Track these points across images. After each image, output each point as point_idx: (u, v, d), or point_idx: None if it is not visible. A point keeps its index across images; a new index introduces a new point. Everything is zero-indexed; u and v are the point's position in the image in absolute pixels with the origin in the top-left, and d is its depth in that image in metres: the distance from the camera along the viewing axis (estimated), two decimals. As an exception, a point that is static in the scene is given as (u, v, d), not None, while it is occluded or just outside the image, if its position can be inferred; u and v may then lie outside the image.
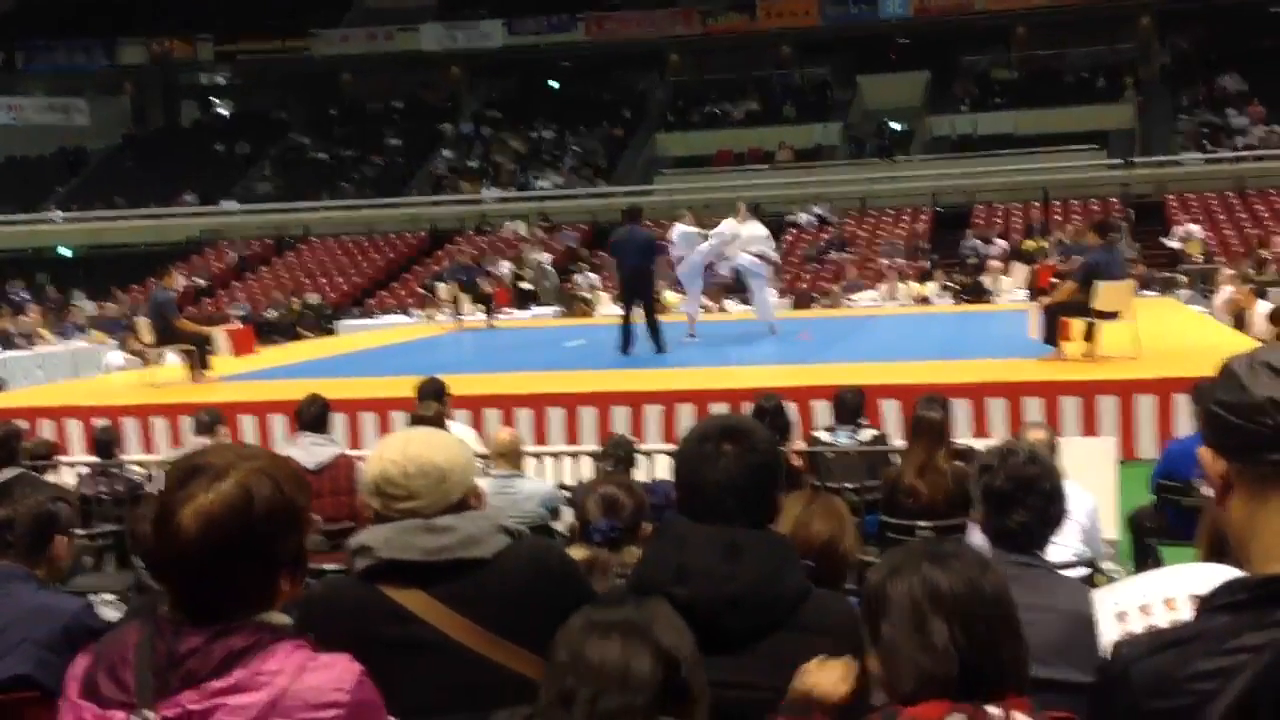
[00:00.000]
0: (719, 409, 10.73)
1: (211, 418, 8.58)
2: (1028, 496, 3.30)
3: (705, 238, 17.11)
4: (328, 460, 7.22)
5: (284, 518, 2.03)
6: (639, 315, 15.36)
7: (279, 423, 11.95)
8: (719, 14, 41.15)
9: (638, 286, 15.37)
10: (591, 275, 29.17)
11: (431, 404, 7.73)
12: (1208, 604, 1.65)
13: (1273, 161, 33.05)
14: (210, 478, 2.00)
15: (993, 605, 2.12)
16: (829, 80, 42.37)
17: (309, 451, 7.23)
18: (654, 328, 15.26)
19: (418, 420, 7.02)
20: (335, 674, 2.00)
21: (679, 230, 17.40)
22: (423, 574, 2.55)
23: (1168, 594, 2.96)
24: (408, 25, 43.32)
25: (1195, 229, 28.73)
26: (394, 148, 42.64)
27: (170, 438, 12.43)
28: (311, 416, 7.52)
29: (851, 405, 8.12)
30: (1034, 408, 11.14)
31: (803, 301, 25.17)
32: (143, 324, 15.32)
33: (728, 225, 17.12)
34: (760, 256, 17.14)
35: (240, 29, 44.20)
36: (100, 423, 11.28)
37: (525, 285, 28.75)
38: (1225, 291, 18.17)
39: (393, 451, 2.66)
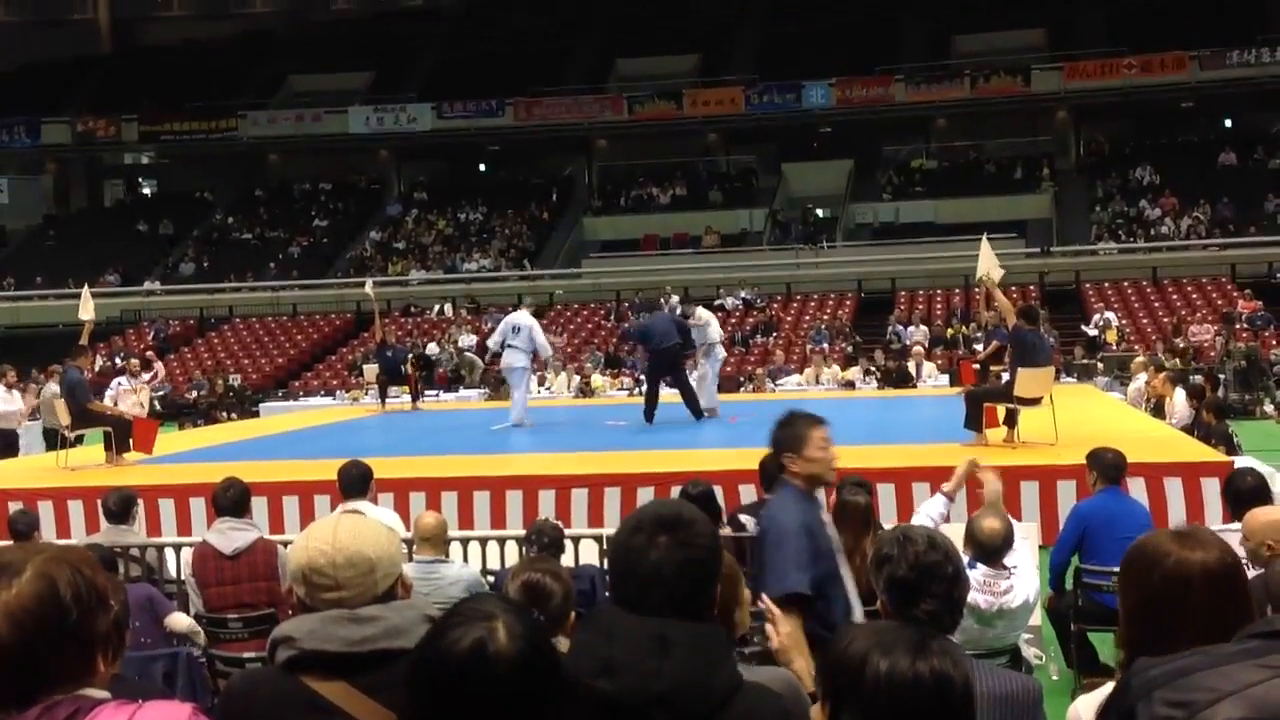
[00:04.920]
0: (646, 493, 10.72)
1: (121, 505, 8.17)
2: (932, 584, 3.13)
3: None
4: (245, 546, 7.01)
5: (90, 597, 2.03)
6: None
7: (199, 506, 11.71)
8: (646, 102, 41.65)
9: (663, 366, 16.98)
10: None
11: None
12: (1245, 633, 1.92)
13: (1185, 252, 33.89)
14: (8, 576, 2.00)
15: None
16: (754, 167, 42.96)
17: (226, 537, 7.02)
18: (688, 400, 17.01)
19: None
20: (166, 711, 2.00)
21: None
22: (346, 664, 2.50)
23: None
24: (336, 108, 43.41)
25: (1112, 317, 29.32)
26: (320, 229, 42.49)
27: (86, 521, 12.14)
28: (229, 501, 7.28)
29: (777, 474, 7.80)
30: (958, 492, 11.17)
31: (728, 385, 25.25)
32: (59, 405, 15.01)
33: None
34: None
35: (167, 109, 44.04)
36: (15, 506, 10.99)
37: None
38: (1140, 379, 18.46)
39: (321, 540, 2.60)
